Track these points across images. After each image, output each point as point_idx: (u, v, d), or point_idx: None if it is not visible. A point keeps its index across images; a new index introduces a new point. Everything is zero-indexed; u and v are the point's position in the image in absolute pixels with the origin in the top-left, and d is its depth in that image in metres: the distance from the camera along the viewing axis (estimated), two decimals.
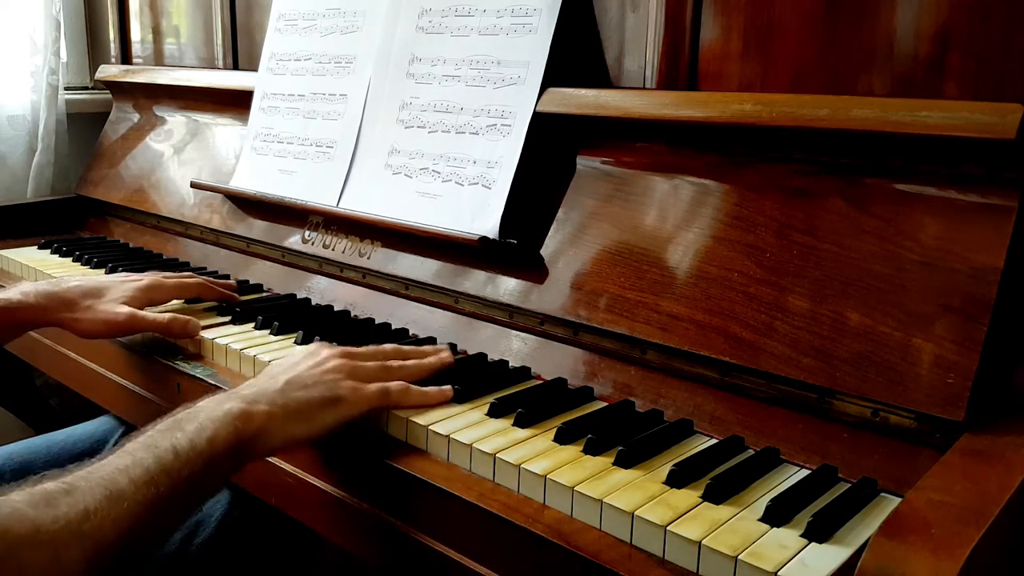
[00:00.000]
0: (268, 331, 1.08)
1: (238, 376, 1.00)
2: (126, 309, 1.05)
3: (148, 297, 1.11)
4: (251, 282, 1.33)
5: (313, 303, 1.22)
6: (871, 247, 0.79)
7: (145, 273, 1.16)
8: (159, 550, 0.71)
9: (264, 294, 1.28)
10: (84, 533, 0.61)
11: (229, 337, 1.05)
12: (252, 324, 1.10)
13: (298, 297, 1.25)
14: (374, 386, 0.84)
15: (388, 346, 0.94)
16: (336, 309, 1.19)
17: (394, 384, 0.86)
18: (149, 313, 1.07)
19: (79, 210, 1.76)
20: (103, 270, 1.39)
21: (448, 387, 0.88)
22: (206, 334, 1.07)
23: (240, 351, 1.01)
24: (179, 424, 0.72)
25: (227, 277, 1.34)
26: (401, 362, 0.90)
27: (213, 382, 0.98)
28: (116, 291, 1.08)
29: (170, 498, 0.67)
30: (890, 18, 0.85)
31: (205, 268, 1.41)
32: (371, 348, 0.92)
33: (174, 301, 1.17)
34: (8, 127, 1.82)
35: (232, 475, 0.75)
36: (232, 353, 1.02)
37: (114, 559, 0.63)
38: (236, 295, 1.23)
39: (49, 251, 1.53)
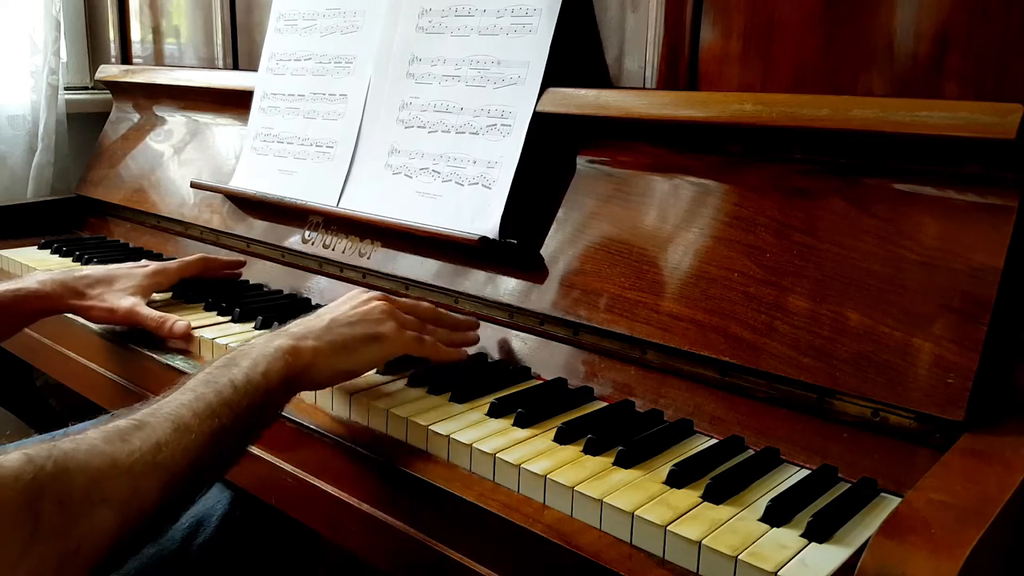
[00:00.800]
0: (268, 331, 1.08)
1: None
2: (129, 301, 1.12)
3: (155, 282, 1.17)
4: (251, 282, 1.33)
5: (313, 303, 1.22)
6: (871, 247, 0.79)
7: (152, 262, 1.22)
8: (222, 477, 0.77)
9: (264, 294, 1.28)
10: (158, 463, 0.66)
11: (230, 337, 1.06)
12: (252, 324, 1.10)
13: (299, 297, 1.25)
14: (412, 332, 0.90)
15: (425, 304, 0.98)
16: None
17: (429, 338, 0.92)
18: (147, 310, 1.12)
19: (79, 210, 1.76)
20: None
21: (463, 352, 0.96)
22: (207, 334, 1.07)
23: None
24: (234, 360, 0.77)
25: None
26: (434, 327, 0.95)
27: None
28: (125, 280, 1.15)
29: (232, 428, 0.72)
30: (890, 18, 0.85)
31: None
32: (411, 301, 0.98)
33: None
34: (8, 127, 1.82)
35: (284, 406, 0.81)
36: None
37: (185, 487, 0.68)
38: (239, 270, 1.31)
39: (49, 251, 1.53)
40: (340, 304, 0.91)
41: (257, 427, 0.77)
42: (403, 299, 0.96)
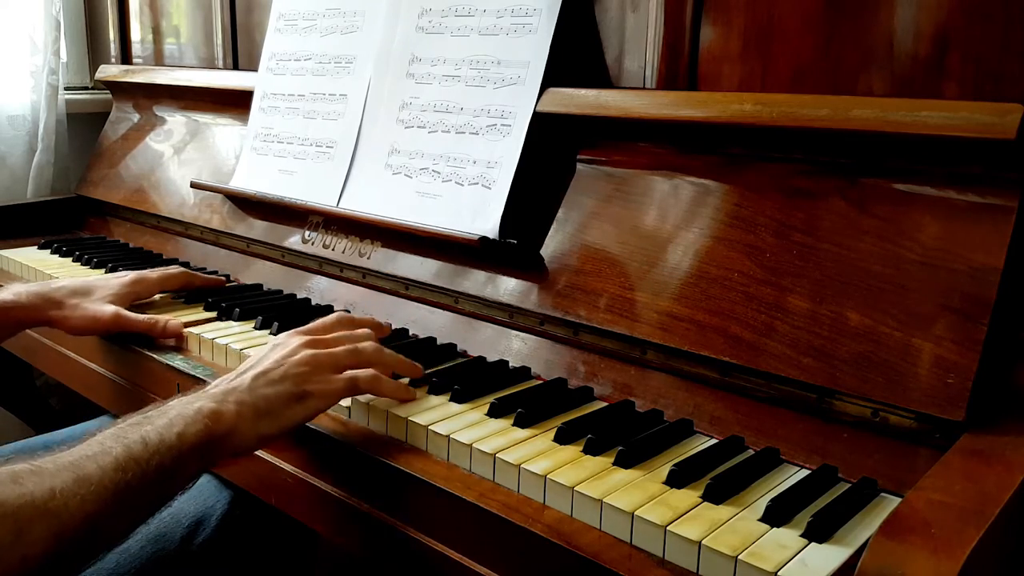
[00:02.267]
0: (268, 331, 1.08)
1: None
2: (111, 308, 1.10)
3: (134, 292, 1.15)
4: (251, 282, 1.33)
5: (313, 303, 1.22)
6: (871, 247, 0.79)
7: (131, 272, 1.19)
8: (127, 538, 0.72)
9: (264, 293, 1.28)
10: (48, 511, 0.62)
11: (230, 337, 1.06)
12: (252, 324, 1.10)
13: (298, 297, 1.25)
14: (343, 377, 0.84)
15: (361, 332, 0.92)
16: (336, 309, 1.19)
17: (363, 373, 0.85)
18: (133, 314, 1.11)
19: (79, 210, 1.76)
20: (103, 270, 1.39)
21: (411, 388, 0.89)
22: (207, 334, 1.07)
23: (240, 351, 1.01)
24: (149, 419, 0.73)
25: (219, 272, 1.35)
26: (369, 343, 0.89)
27: (212, 382, 0.98)
28: (103, 289, 1.13)
29: (139, 486, 0.68)
30: (890, 18, 0.85)
31: (205, 268, 1.41)
32: (333, 322, 0.92)
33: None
34: (8, 127, 1.82)
35: (203, 471, 0.76)
36: (232, 353, 1.02)
37: (79, 541, 0.64)
38: (224, 282, 1.29)
39: (49, 251, 1.53)
40: (266, 355, 0.85)
41: (168, 489, 0.73)
42: (335, 333, 0.90)
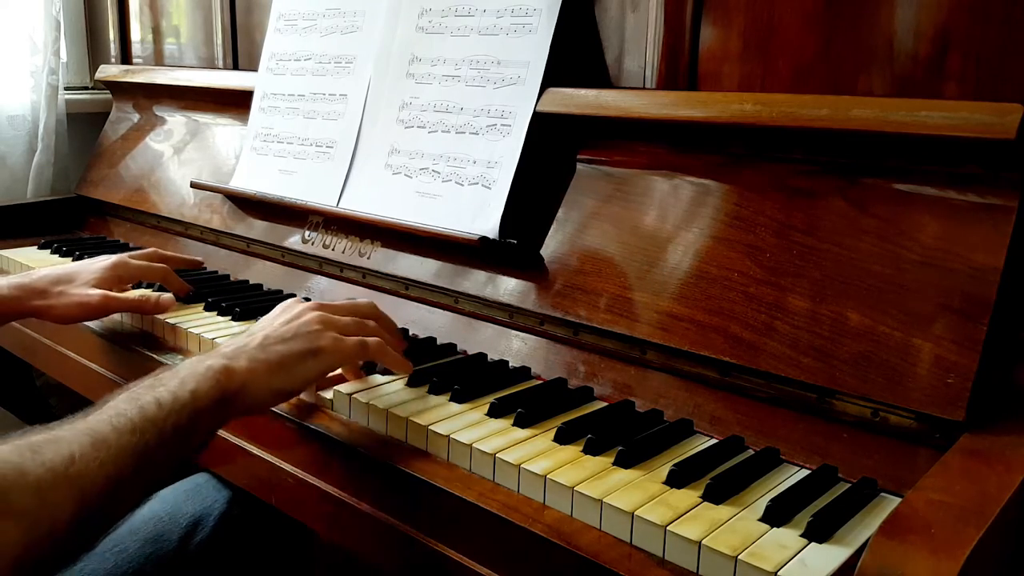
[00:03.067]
0: None
1: None
2: (98, 291, 1.09)
3: (116, 276, 1.13)
4: (252, 282, 1.33)
5: None
6: (871, 247, 0.79)
7: (111, 256, 1.18)
8: (146, 500, 0.73)
9: (264, 293, 1.28)
10: (69, 476, 0.62)
11: (230, 337, 1.05)
12: (252, 323, 1.10)
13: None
14: (353, 339, 0.85)
15: (364, 301, 0.95)
16: None
17: (372, 339, 0.87)
18: (122, 295, 1.10)
19: (79, 210, 1.76)
20: None
21: (408, 362, 0.91)
22: (207, 334, 1.07)
23: None
24: (160, 381, 0.73)
25: (219, 272, 1.35)
26: (374, 323, 0.91)
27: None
28: (85, 275, 1.11)
29: (156, 447, 0.68)
30: (890, 18, 0.85)
31: (205, 268, 1.41)
32: (349, 302, 0.93)
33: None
34: (8, 127, 1.82)
35: (217, 430, 0.76)
36: None
37: (102, 504, 0.64)
38: (200, 263, 1.29)
39: (49, 251, 1.53)
40: (274, 318, 0.86)
41: (185, 448, 0.73)
42: (340, 302, 0.92)
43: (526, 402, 0.86)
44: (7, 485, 0.59)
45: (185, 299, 1.21)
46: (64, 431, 0.65)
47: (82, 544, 0.66)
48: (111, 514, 0.67)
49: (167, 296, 1.10)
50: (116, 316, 1.18)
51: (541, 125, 1.04)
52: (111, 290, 1.10)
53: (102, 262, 1.14)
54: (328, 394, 0.91)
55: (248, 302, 1.19)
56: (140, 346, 1.10)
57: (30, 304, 1.07)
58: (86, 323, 1.16)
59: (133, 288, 1.22)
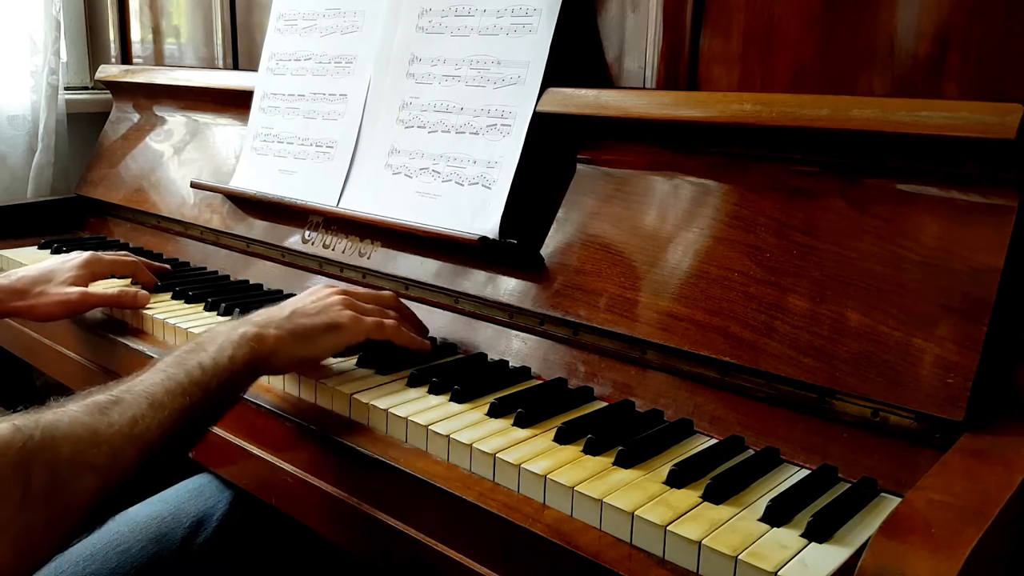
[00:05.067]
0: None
1: None
2: (77, 288, 1.14)
3: (90, 272, 1.18)
4: (252, 281, 1.33)
5: None
6: (871, 247, 0.79)
7: (84, 252, 1.23)
8: (193, 447, 0.82)
9: (264, 293, 1.28)
10: (135, 435, 0.71)
11: None
12: None
13: None
14: (372, 318, 0.94)
15: (387, 292, 1.04)
16: None
17: (388, 321, 0.96)
18: (99, 290, 1.15)
19: (79, 210, 1.76)
20: None
21: (425, 342, 1.00)
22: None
23: None
24: (202, 346, 0.82)
25: (219, 272, 1.35)
26: (395, 314, 1.00)
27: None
28: (61, 273, 1.16)
29: (201, 407, 0.77)
30: (890, 18, 0.85)
31: (205, 268, 1.41)
32: (372, 292, 1.02)
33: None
34: (8, 127, 1.82)
35: (248, 387, 0.86)
36: None
37: (157, 457, 0.73)
38: (169, 269, 1.35)
39: (49, 251, 1.53)
40: (303, 297, 0.95)
41: (224, 406, 0.82)
42: (364, 290, 1.01)
43: (526, 402, 0.86)
44: (85, 444, 0.68)
45: (186, 299, 1.21)
46: (124, 394, 0.74)
47: (142, 487, 0.77)
48: (165, 464, 0.76)
49: (143, 293, 1.16)
50: (117, 317, 1.19)
51: (541, 125, 1.04)
52: (86, 286, 1.15)
53: (75, 259, 1.19)
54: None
55: (248, 302, 1.19)
56: (140, 347, 1.10)
57: (11, 305, 1.12)
58: (85, 324, 1.16)
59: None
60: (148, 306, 1.17)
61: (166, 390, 0.75)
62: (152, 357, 1.06)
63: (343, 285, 1.01)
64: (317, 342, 0.89)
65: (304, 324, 0.89)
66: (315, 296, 0.95)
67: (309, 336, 0.89)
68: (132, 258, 1.27)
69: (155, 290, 1.24)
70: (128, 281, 1.27)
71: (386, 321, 0.95)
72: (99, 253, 1.23)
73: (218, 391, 0.79)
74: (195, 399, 0.76)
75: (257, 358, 0.83)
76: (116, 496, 0.71)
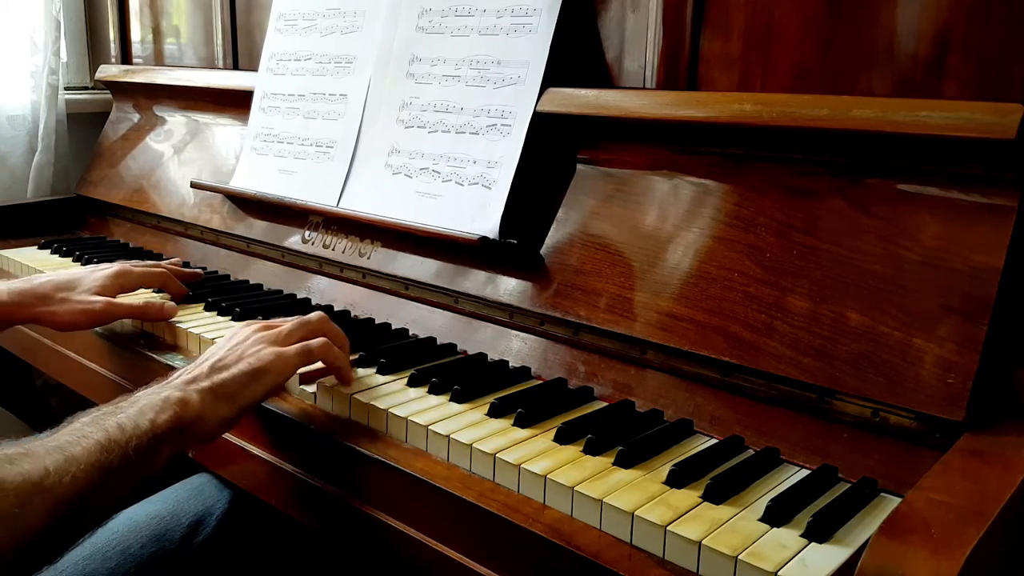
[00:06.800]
0: None
1: None
2: (101, 298, 1.09)
3: (118, 284, 1.13)
4: (251, 282, 1.33)
5: (313, 303, 1.22)
6: (871, 247, 0.79)
7: (114, 263, 1.19)
8: (111, 516, 0.79)
9: (264, 293, 1.28)
10: (44, 487, 0.67)
11: None
12: None
13: (298, 297, 1.25)
14: (295, 347, 0.87)
15: (312, 315, 0.94)
16: (336, 309, 1.19)
17: (315, 341, 0.89)
18: (124, 300, 1.11)
19: (79, 210, 1.76)
20: None
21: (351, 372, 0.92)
22: (207, 333, 1.07)
23: None
24: (120, 408, 0.77)
25: (219, 272, 1.35)
26: (316, 314, 0.94)
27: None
28: (87, 282, 1.12)
29: (120, 466, 0.72)
30: (890, 18, 0.85)
31: (205, 268, 1.41)
32: (296, 318, 0.93)
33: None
34: (8, 127, 1.82)
35: (172, 457, 0.78)
36: None
37: (71, 515, 0.69)
38: (201, 275, 1.30)
39: (49, 251, 1.53)
40: (221, 345, 0.89)
41: (147, 468, 0.76)
42: (286, 320, 0.92)
43: (526, 402, 0.86)
44: None
45: (185, 299, 1.21)
46: (37, 447, 0.70)
47: (52, 550, 0.71)
48: (79, 524, 0.72)
49: (170, 304, 1.11)
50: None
51: (541, 125, 1.04)
52: (113, 297, 1.11)
53: (105, 270, 1.14)
54: (328, 389, 0.91)
55: (248, 302, 1.19)
56: (140, 346, 1.10)
57: (32, 310, 1.08)
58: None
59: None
60: (178, 318, 1.12)
61: (82, 446, 0.71)
62: (163, 363, 1.06)
63: (263, 321, 0.93)
64: (243, 395, 0.82)
65: (224, 379, 0.82)
66: (233, 341, 0.88)
67: (232, 392, 0.82)
68: (162, 268, 1.21)
69: (185, 300, 1.20)
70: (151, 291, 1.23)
71: (312, 343, 0.88)
72: (128, 265, 1.17)
73: (139, 452, 0.73)
74: (113, 457, 0.71)
75: (181, 423, 0.77)
76: (24, 553, 0.66)
